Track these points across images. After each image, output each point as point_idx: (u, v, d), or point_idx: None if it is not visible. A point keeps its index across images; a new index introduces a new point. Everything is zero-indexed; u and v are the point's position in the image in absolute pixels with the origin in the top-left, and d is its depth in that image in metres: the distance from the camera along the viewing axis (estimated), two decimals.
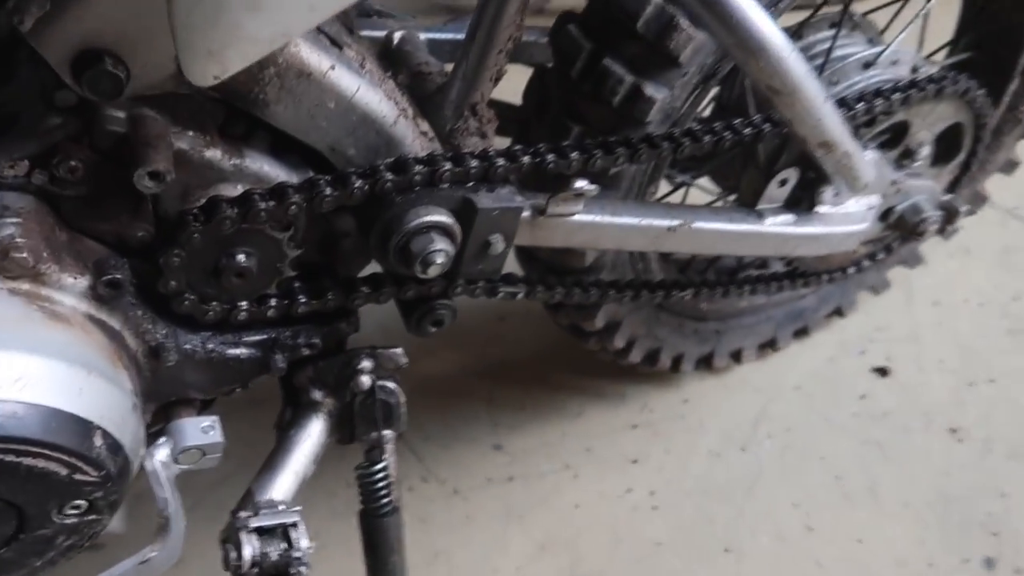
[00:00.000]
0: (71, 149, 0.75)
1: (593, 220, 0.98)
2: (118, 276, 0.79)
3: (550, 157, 0.92)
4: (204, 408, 1.06)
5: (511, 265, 1.29)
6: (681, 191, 1.49)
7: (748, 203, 1.22)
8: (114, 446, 0.74)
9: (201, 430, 0.92)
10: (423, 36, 1.20)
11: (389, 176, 0.85)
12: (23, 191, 0.75)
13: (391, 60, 1.14)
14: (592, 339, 1.43)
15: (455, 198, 0.89)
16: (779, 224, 1.13)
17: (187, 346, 0.89)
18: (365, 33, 1.13)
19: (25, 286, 0.73)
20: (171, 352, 0.86)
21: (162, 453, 0.90)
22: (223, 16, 0.58)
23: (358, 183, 0.84)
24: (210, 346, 0.90)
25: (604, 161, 0.94)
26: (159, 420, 0.94)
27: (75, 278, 0.77)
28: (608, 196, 1.04)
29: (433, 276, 0.88)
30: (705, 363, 1.66)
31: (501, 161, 0.90)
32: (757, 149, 1.28)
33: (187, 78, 0.64)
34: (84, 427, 0.71)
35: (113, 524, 0.92)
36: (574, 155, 0.93)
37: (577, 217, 0.96)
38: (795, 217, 1.15)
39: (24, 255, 0.71)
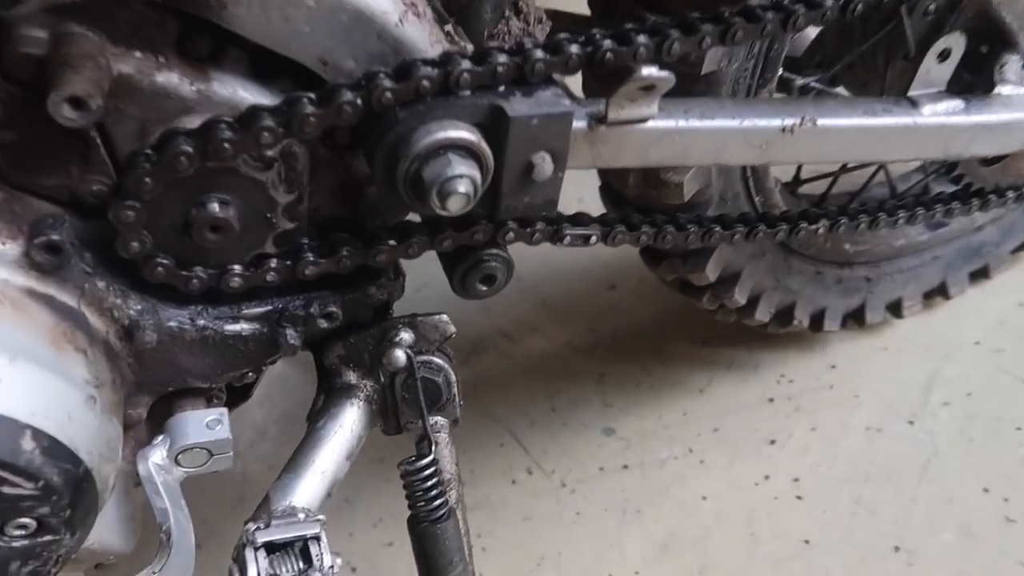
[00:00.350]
0: None
1: (675, 126, 0.73)
2: (55, 238, 0.63)
3: (607, 43, 0.68)
4: (238, 398, 0.90)
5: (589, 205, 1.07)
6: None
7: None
8: (56, 449, 0.58)
9: (205, 425, 0.76)
10: None
11: (387, 84, 0.64)
12: None
13: None
14: (706, 295, 1.18)
15: (479, 107, 0.67)
16: (942, 113, 0.82)
17: (171, 323, 0.72)
18: None
19: None
20: (148, 331, 0.70)
21: (157, 455, 0.75)
22: None
23: (347, 97, 0.64)
24: (201, 322, 0.74)
25: (683, 44, 0.69)
26: (160, 419, 0.79)
27: (3, 244, 0.62)
28: (695, 98, 0.79)
29: (455, 211, 0.66)
30: (854, 319, 1.36)
31: (539, 54, 0.67)
32: (904, 31, 0.98)
33: None
34: (4, 427, 0.55)
35: (115, 541, 0.78)
36: (641, 39, 0.68)
37: (652, 123, 0.72)
38: (965, 103, 0.85)
39: None
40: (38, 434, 0.57)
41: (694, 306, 1.29)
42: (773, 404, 1.42)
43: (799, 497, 1.28)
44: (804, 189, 1.28)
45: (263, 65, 0.71)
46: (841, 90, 1.20)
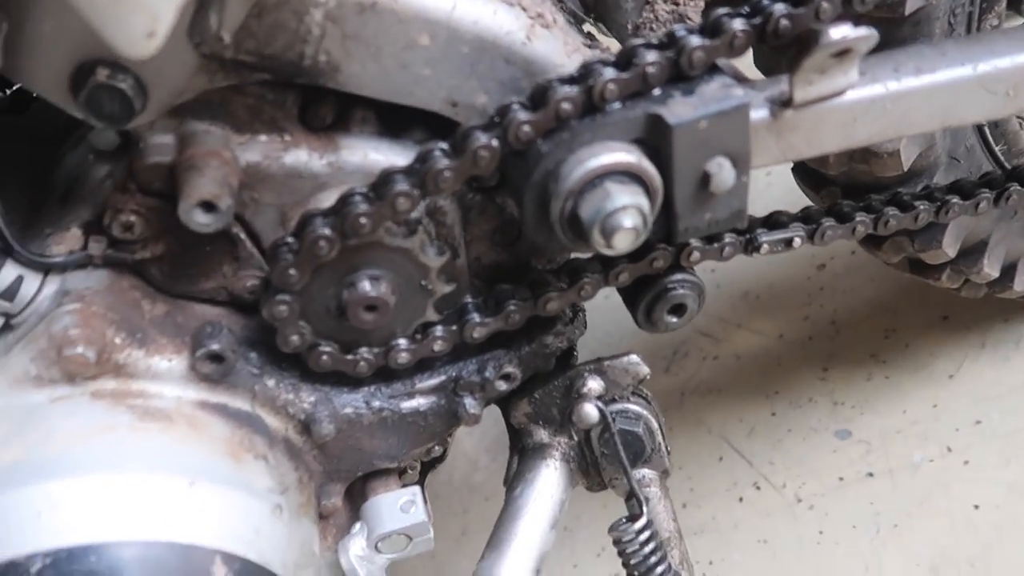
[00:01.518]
0: (119, 201, 0.59)
1: (885, 91, 0.58)
2: (215, 347, 0.60)
3: (779, 8, 0.54)
4: (434, 460, 0.86)
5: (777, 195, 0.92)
6: None
7: None
8: (248, 570, 0.55)
9: (399, 509, 0.72)
10: None
11: (522, 116, 0.56)
12: (91, 267, 0.60)
13: None
14: (945, 273, 0.98)
15: (633, 120, 0.56)
16: None
17: (347, 410, 0.68)
18: None
19: (110, 384, 0.58)
20: (325, 422, 0.67)
21: (357, 546, 0.71)
22: None
23: (481, 140, 0.56)
24: (376, 404, 0.69)
25: None
26: (358, 500, 0.76)
27: (171, 360, 0.61)
28: (905, 50, 0.63)
29: (624, 248, 0.56)
30: None
31: (696, 40, 0.55)
32: None
33: (119, 52, 0.43)
34: (192, 557, 0.53)
35: None
36: None
37: (854, 94, 0.57)
38: None
39: (80, 351, 0.55)
40: (228, 558, 0.54)
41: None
42: None
43: None
44: None
45: (392, 118, 0.65)
46: None
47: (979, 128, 0.85)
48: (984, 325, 1.27)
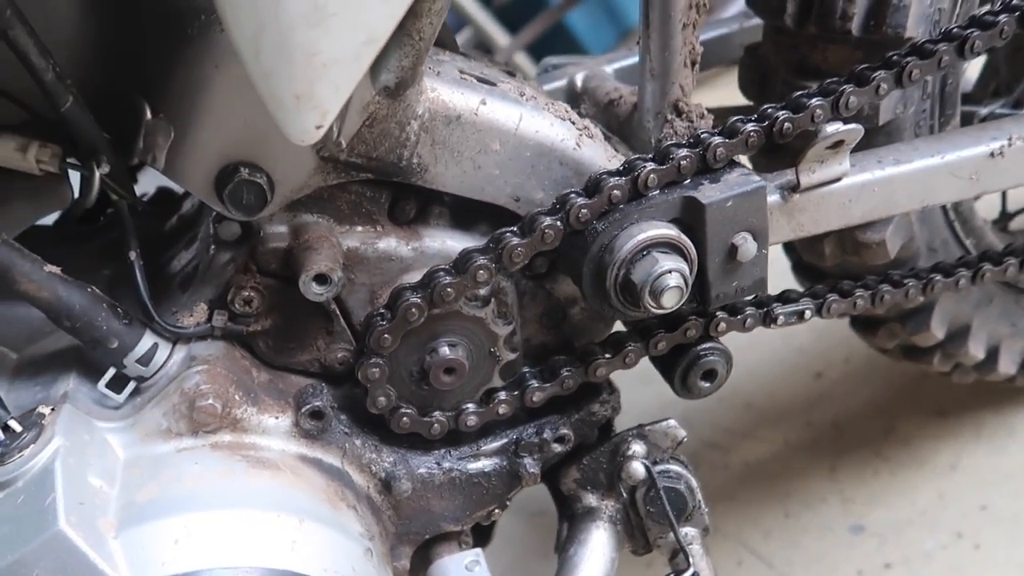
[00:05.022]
0: (241, 280, 0.69)
1: (872, 177, 0.71)
2: (318, 404, 0.69)
3: (782, 114, 0.69)
4: (483, 538, 0.91)
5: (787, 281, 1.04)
6: None
7: None
8: None
9: (465, 567, 0.78)
10: (610, 68, 1.07)
11: (580, 201, 0.68)
12: (211, 338, 0.70)
13: (577, 101, 1.02)
14: (936, 357, 1.09)
15: (672, 203, 0.69)
16: None
17: (421, 470, 0.76)
18: (547, 87, 1.03)
19: (227, 437, 0.66)
20: (403, 480, 0.74)
21: None
22: (290, 44, 0.48)
23: (547, 222, 0.68)
24: (447, 465, 0.77)
25: (858, 95, 0.69)
26: (424, 565, 0.81)
27: (277, 417, 0.69)
28: (885, 147, 0.77)
29: (670, 306, 0.67)
30: None
31: (717, 140, 0.69)
32: None
33: (291, 139, 0.55)
34: None
35: None
36: (815, 101, 0.69)
37: (847, 180, 0.71)
38: None
39: (210, 402, 0.64)
40: None
41: (923, 373, 1.19)
42: None
43: None
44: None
45: (462, 215, 0.77)
46: None
47: (949, 224, 0.99)
48: (977, 417, 1.35)
